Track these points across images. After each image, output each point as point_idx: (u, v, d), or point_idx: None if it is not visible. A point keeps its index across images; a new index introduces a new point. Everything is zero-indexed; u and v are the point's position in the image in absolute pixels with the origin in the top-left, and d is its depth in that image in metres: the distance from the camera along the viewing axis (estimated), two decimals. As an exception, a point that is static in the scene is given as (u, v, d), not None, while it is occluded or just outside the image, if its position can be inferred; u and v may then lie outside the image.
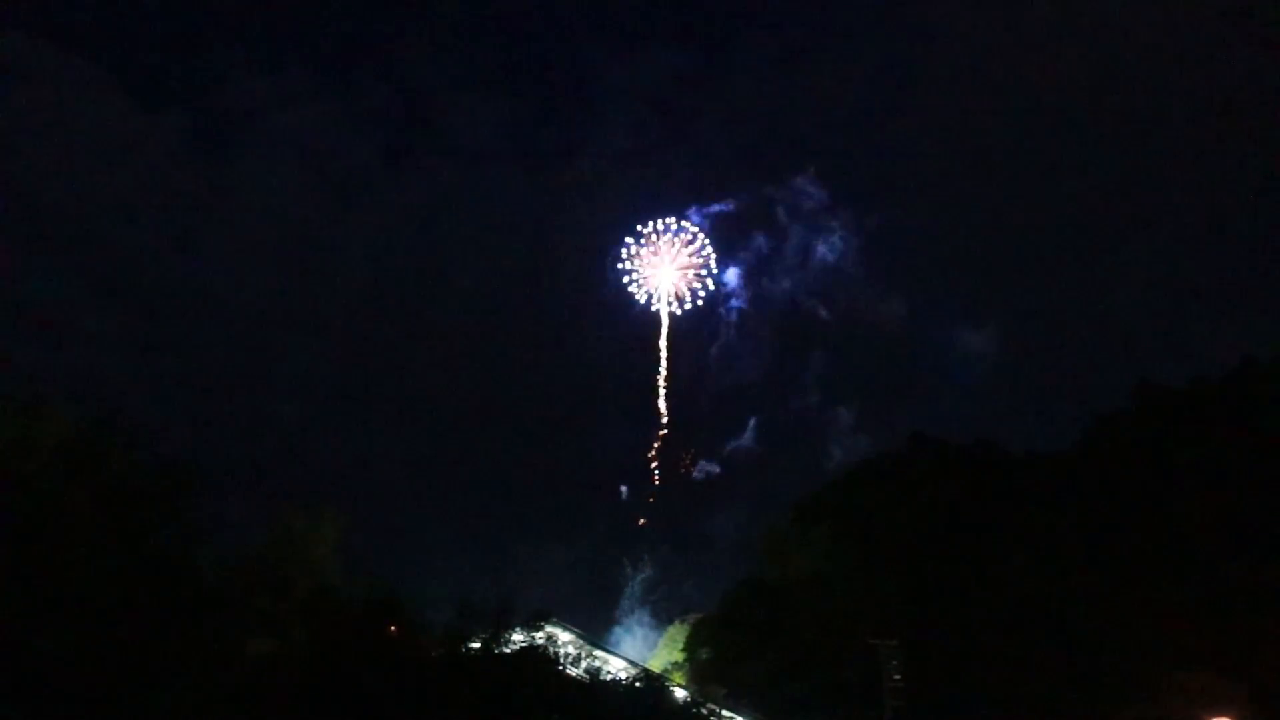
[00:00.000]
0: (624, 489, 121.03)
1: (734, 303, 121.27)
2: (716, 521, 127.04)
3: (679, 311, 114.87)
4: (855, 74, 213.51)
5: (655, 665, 77.95)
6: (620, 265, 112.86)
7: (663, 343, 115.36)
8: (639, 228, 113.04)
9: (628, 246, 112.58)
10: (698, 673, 73.74)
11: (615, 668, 63.72)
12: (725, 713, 63.70)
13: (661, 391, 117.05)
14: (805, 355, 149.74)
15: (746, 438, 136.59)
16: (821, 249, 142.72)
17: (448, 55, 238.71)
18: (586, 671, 56.53)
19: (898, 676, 56.76)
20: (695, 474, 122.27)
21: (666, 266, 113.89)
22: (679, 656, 79.01)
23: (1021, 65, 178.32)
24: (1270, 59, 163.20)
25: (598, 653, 66.52)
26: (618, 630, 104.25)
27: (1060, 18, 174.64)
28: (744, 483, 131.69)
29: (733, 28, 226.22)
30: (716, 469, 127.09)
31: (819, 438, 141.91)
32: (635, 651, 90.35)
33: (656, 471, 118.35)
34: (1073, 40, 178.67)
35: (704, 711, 61.03)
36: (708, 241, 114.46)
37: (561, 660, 53.64)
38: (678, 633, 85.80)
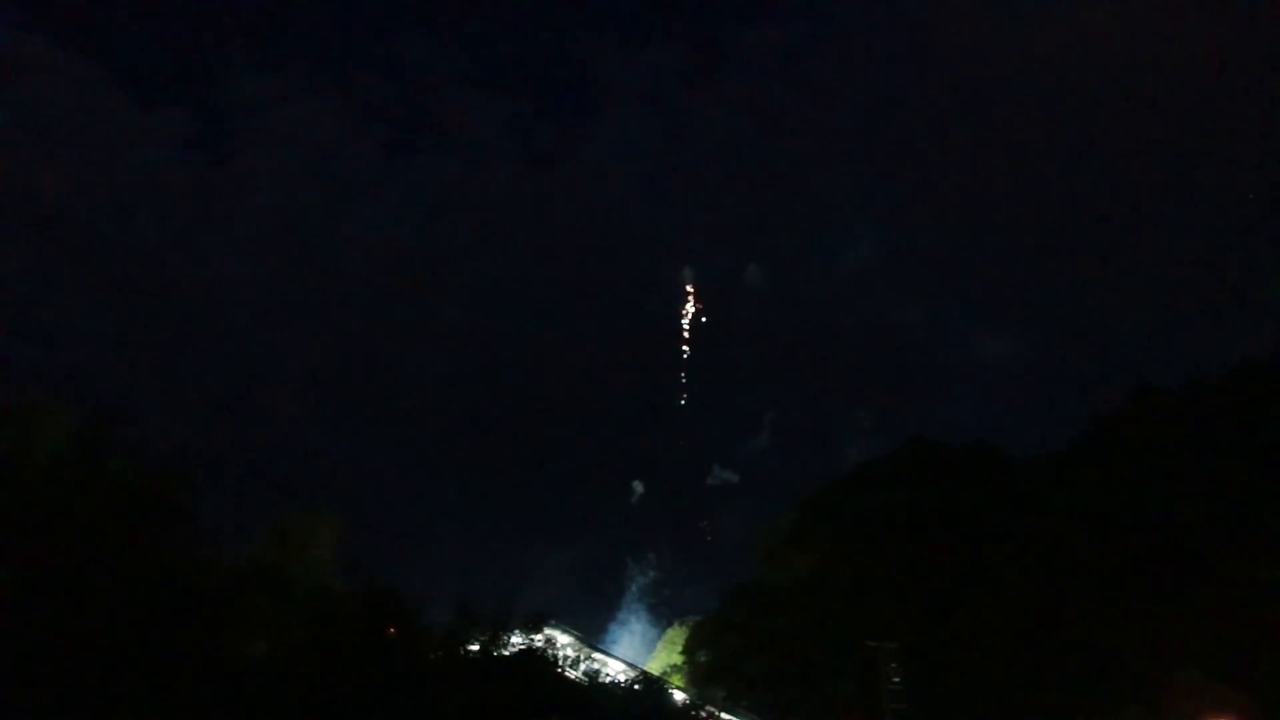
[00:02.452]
0: (637, 485, 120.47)
1: (753, 303, 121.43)
2: (725, 523, 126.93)
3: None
4: (859, 74, 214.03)
5: (654, 667, 77.86)
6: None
7: (685, 333, 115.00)
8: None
9: None
10: (696, 675, 73.57)
11: (614, 670, 63.69)
12: (724, 715, 63.60)
13: (679, 390, 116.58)
14: (823, 357, 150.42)
15: (762, 437, 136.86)
16: (842, 252, 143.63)
17: (448, 52, 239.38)
18: (585, 674, 56.53)
19: (897, 679, 56.58)
20: (710, 480, 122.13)
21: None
22: (678, 659, 78.83)
23: (1020, 72, 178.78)
24: (1269, 62, 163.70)
25: (597, 655, 66.45)
26: (617, 631, 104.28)
27: (1062, 24, 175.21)
28: (757, 483, 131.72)
29: (734, 25, 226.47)
30: (735, 478, 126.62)
31: (835, 439, 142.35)
32: (634, 654, 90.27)
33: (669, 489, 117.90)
34: (1069, 45, 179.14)
35: (702, 714, 60.93)
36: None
37: (560, 662, 53.60)
38: (676, 635, 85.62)
